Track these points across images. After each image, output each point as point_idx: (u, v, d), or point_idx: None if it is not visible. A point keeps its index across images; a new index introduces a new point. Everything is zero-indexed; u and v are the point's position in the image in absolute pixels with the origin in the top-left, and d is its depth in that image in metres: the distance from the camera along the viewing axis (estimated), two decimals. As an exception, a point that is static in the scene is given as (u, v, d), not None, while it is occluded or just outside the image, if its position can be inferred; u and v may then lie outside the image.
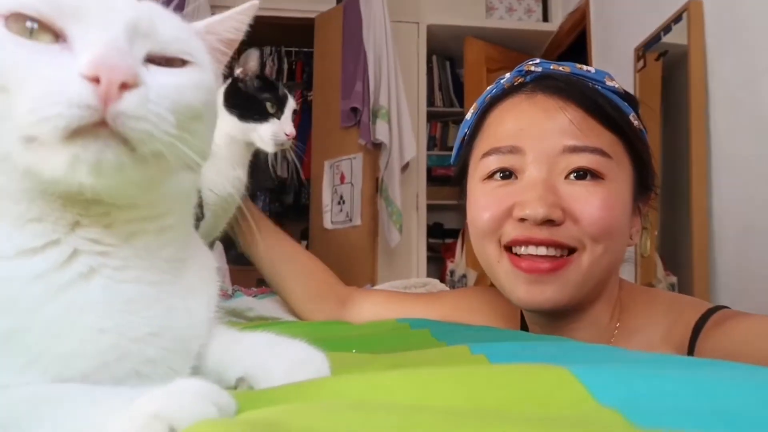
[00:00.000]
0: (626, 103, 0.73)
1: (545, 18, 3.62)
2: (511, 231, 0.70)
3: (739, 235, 1.69)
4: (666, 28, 2.10)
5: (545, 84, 0.73)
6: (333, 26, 3.23)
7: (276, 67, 3.92)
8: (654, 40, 2.18)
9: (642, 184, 0.74)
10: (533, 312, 0.78)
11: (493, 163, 0.73)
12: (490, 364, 0.44)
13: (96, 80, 0.31)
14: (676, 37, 2.03)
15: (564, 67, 0.74)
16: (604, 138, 0.70)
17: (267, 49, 3.90)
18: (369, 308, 0.97)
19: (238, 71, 0.95)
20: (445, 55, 3.91)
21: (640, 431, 0.24)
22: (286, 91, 0.98)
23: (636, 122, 0.73)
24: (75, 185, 0.34)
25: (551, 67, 0.74)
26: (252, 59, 0.95)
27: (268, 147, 0.94)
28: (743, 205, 1.68)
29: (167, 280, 0.40)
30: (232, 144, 0.94)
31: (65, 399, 0.32)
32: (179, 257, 0.42)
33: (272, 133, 0.93)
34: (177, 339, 0.39)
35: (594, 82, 0.73)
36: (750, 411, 0.27)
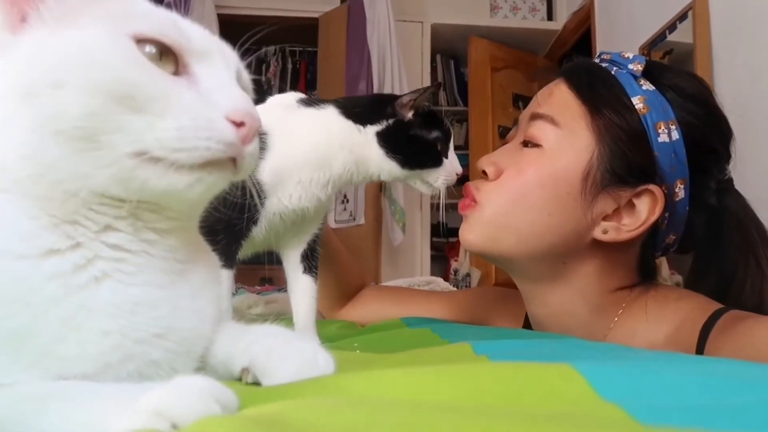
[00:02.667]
0: (641, 86, 0.69)
1: (550, 17, 3.62)
2: None
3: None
4: (671, 27, 2.09)
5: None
6: (337, 26, 3.23)
7: (280, 67, 3.92)
8: (659, 38, 2.17)
9: (616, 172, 0.68)
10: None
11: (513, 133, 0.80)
12: (491, 361, 0.43)
13: (239, 124, 0.37)
14: (682, 35, 2.02)
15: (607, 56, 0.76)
16: (568, 109, 0.70)
17: (271, 49, 3.90)
18: (379, 306, 0.98)
19: (409, 114, 0.76)
20: (450, 54, 3.90)
21: (641, 427, 0.24)
22: (448, 122, 0.80)
23: (639, 105, 0.68)
24: (174, 198, 0.37)
25: (603, 57, 0.76)
26: (426, 98, 0.77)
27: (437, 190, 0.78)
28: (750, 205, 1.66)
29: (175, 282, 0.41)
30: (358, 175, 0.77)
31: (69, 396, 0.33)
32: (188, 258, 0.42)
33: (446, 176, 0.77)
34: (182, 341, 0.40)
35: (614, 64, 0.72)
36: (756, 409, 0.27)
